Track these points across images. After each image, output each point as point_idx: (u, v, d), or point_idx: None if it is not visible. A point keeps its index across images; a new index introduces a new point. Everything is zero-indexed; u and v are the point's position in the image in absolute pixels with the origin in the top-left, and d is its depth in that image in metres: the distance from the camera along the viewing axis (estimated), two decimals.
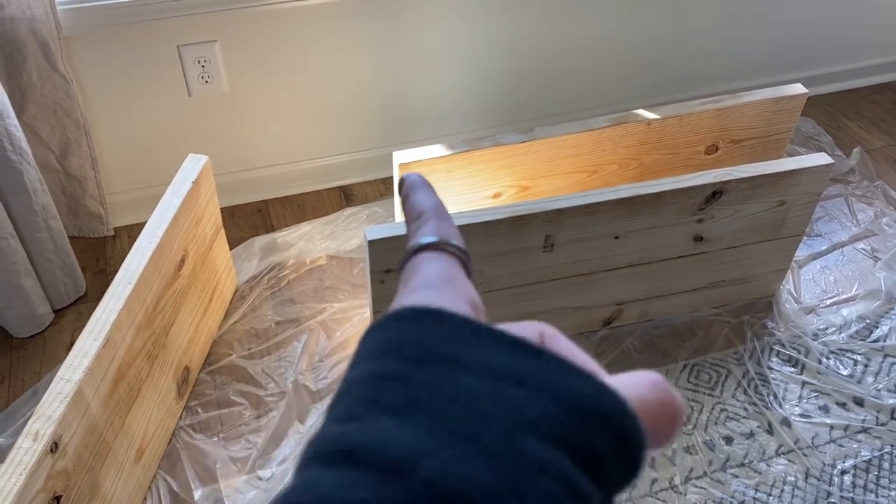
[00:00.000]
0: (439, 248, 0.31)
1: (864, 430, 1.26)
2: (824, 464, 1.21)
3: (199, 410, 1.28)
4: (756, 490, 1.18)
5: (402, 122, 1.71)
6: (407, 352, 0.25)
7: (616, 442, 0.24)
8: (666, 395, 0.27)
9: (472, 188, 1.35)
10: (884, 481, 1.19)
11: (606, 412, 0.24)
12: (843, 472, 1.20)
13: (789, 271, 1.51)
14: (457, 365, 0.24)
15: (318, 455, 0.23)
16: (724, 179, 1.22)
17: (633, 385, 0.26)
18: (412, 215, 0.33)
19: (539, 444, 0.22)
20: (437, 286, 0.28)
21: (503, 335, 0.25)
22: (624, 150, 1.39)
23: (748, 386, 1.32)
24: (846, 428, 1.26)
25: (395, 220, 1.37)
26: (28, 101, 1.36)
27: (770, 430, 1.25)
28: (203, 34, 1.45)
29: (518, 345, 0.25)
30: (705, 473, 1.20)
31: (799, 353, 1.37)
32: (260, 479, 1.18)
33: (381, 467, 0.21)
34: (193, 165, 1.26)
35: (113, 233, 1.60)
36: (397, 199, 1.31)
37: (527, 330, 0.28)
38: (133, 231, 1.62)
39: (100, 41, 1.40)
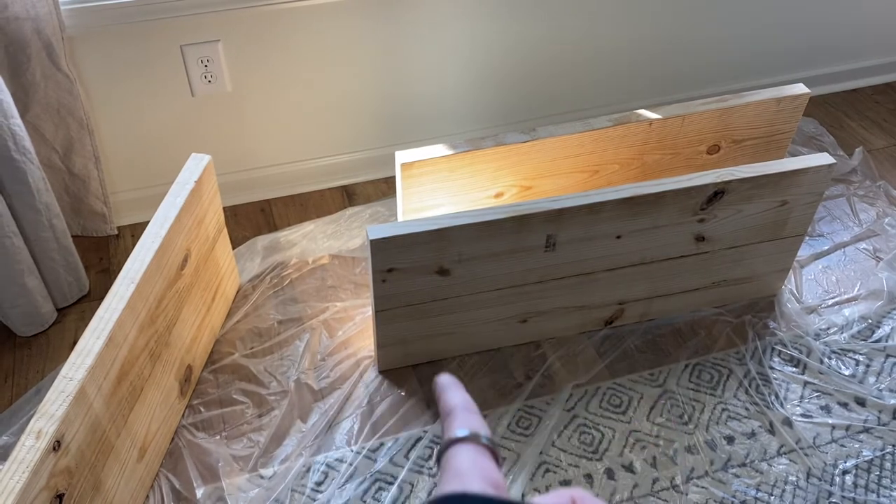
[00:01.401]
0: (469, 440, 0.37)
1: (866, 430, 1.26)
2: (826, 464, 1.21)
3: (202, 409, 1.28)
4: (757, 490, 1.18)
5: (405, 121, 1.71)
6: None
7: None
8: None
9: (474, 188, 1.35)
10: (885, 481, 1.19)
11: None
12: (845, 472, 1.20)
13: (791, 271, 1.51)
14: None
15: None
16: (725, 179, 1.22)
17: None
18: (444, 411, 0.40)
19: None
20: (465, 473, 0.35)
21: None
22: (626, 149, 1.39)
23: (750, 386, 1.32)
24: (848, 428, 1.26)
25: (397, 220, 1.38)
26: (32, 100, 1.37)
27: (772, 430, 1.25)
28: (206, 34, 1.45)
29: None
30: (707, 473, 1.20)
31: (801, 352, 1.37)
32: (262, 477, 1.19)
33: None
34: (196, 165, 1.26)
35: (116, 232, 1.61)
36: (399, 199, 1.32)
37: (560, 497, 0.36)
38: (136, 230, 1.62)
39: (103, 41, 1.41)
